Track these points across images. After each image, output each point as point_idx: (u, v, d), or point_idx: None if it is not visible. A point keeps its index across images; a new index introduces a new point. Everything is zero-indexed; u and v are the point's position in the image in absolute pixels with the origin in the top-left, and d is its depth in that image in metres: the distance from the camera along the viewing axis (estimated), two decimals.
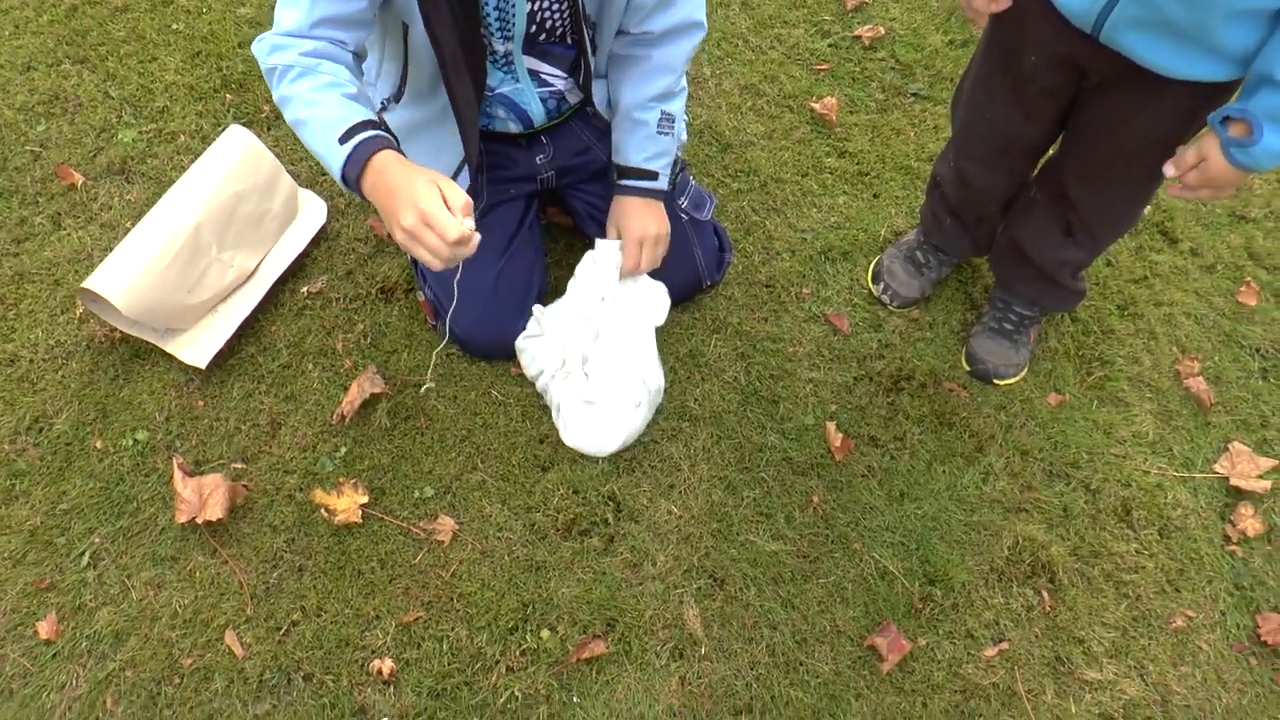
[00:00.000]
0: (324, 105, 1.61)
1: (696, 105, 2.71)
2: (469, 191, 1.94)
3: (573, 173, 2.21)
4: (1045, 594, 2.09)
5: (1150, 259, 2.55)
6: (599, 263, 2.12)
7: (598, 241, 2.14)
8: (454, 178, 2.01)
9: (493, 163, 2.14)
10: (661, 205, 2.13)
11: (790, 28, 2.89)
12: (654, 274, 2.18)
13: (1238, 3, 1.42)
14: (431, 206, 1.51)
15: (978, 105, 2.02)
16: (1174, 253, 2.58)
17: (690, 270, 2.29)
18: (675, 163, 2.18)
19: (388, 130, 1.67)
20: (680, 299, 2.31)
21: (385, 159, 1.59)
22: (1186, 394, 2.36)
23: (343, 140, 1.59)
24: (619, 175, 2.08)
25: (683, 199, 2.27)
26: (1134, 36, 1.59)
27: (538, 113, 2.06)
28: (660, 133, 2.03)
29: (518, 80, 1.97)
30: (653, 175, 2.07)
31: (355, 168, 1.59)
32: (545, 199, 2.39)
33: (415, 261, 2.25)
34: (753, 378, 2.29)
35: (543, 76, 1.99)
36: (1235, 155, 1.54)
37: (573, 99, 2.08)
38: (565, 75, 2.01)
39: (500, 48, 1.89)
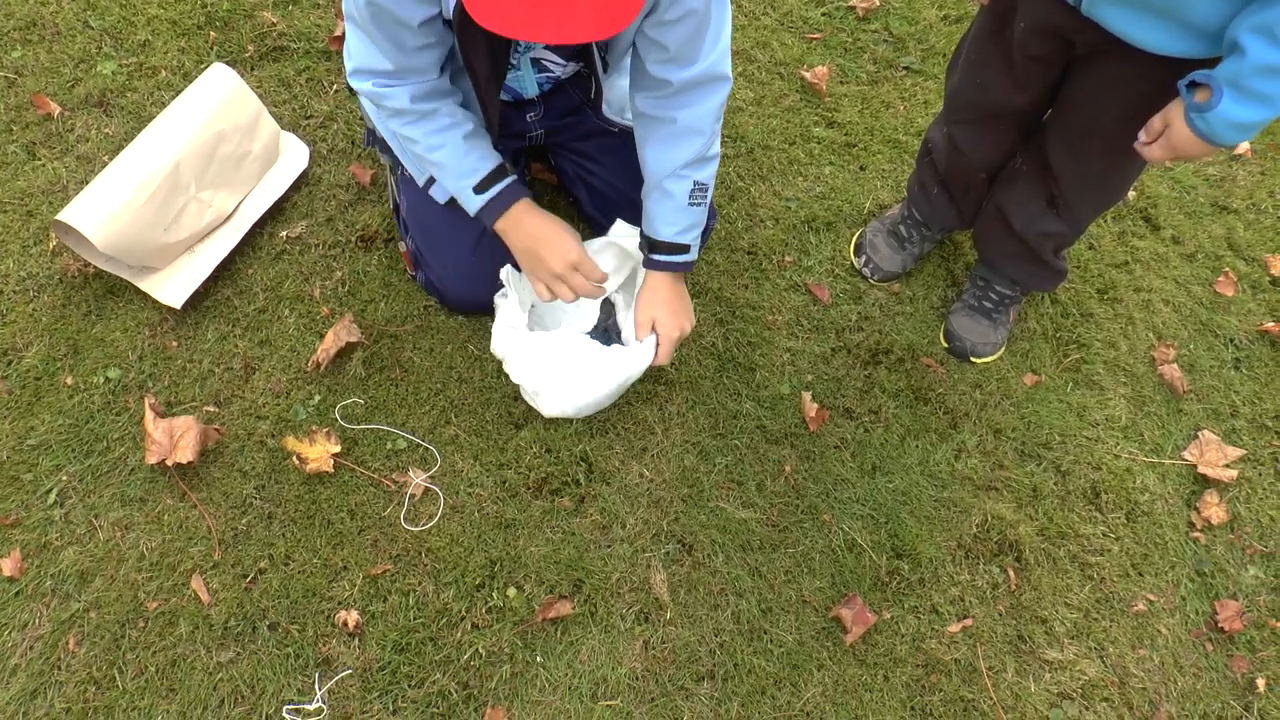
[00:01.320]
0: (449, 148, 1.83)
1: None
2: None
3: (562, 132, 2.18)
4: (1011, 572, 2.10)
5: (1132, 244, 2.55)
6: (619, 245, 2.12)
7: (619, 225, 2.12)
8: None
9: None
10: (683, 284, 2.05)
11: None
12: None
13: None
14: (579, 255, 1.91)
15: (970, 69, 2.01)
16: (1156, 239, 2.58)
17: None
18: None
19: (515, 170, 1.90)
20: None
21: (524, 208, 1.90)
22: (1160, 380, 2.37)
23: (478, 190, 1.86)
24: (649, 248, 1.97)
25: None
26: (1113, 11, 1.59)
27: (530, 91, 2.03)
28: (692, 204, 1.91)
29: (519, 69, 1.95)
30: (684, 249, 1.96)
31: (491, 215, 1.90)
32: (531, 156, 2.36)
33: (397, 208, 2.23)
34: (730, 344, 2.28)
35: (544, 63, 1.97)
36: (1194, 120, 1.52)
37: (564, 76, 2.05)
38: (565, 62, 1.97)
39: (516, 60, 1.90)
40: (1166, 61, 1.59)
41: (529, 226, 1.91)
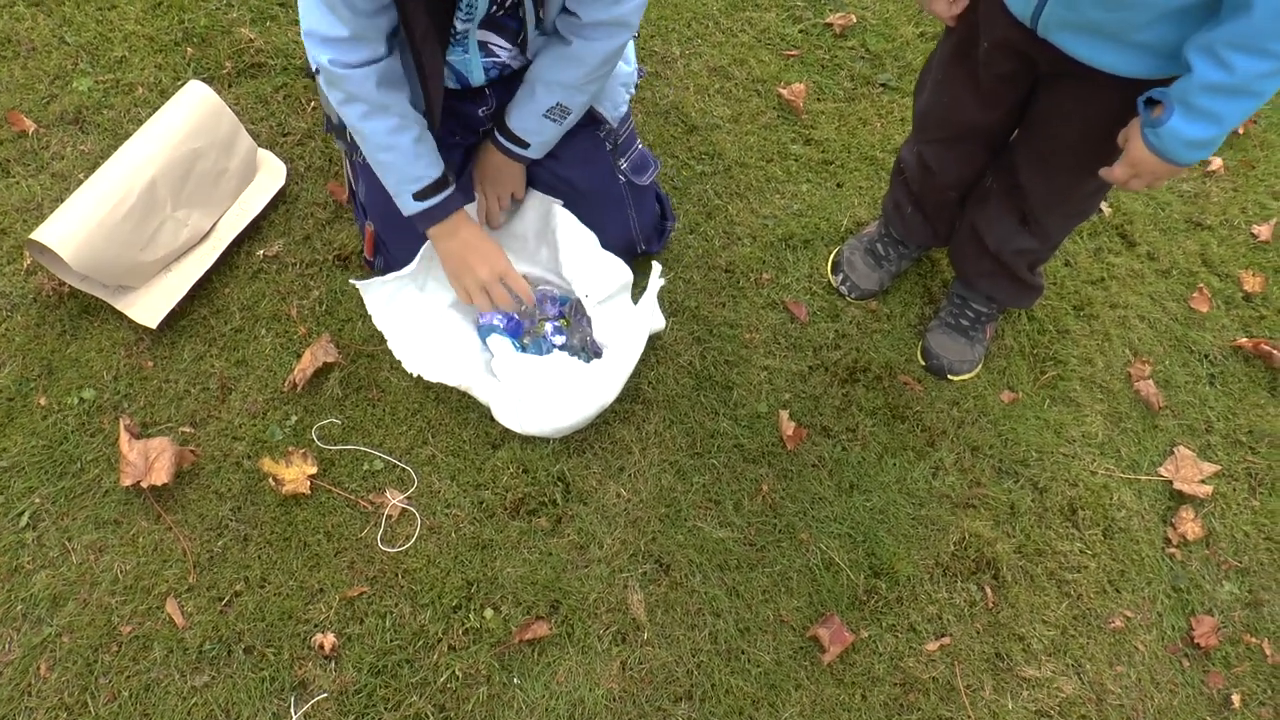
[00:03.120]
0: (398, 151, 1.86)
1: (663, 85, 2.66)
2: None
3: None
4: (988, 590, 2.09)
5: (1108, 261, 2.55)
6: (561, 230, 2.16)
7: (555, 209, 2.17)
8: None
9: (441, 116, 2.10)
10: (524, 169, 2.15)
11: (762, 11, 2.84)
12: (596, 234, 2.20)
13: (1157, 8, 1.44)
14: (506, 267, 2.02)
15: (937, 88, 2.00)
16: (1131, 256, 2.58)
17: (624, 233, 2.25)
18: (623, 124, 2.21)
19: (455, 178, 1.98)
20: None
21: (460, 218, 2.00)
22: (1136, 396, 2.37)
23: (418, 197, 1.91)
24: (496, 128, 2.05)
25: (623, 160, 2.23)
26: (1066, 34, 1.60)
27: (478, 78, 2.02)
28: (547, 117, 1.98)
29: (467, 52, 1.93)
30: (525, 145, 2.04)
31: (426, 222, 1.97)
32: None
33: (353, 193, 2.25)
34: (708, 363, 2.27)
35: (490, 47, 1.95)
36: (1148, 136, 1.52)
37: (515, 64, 2.03)
38: (510, 46, 1.96)
39: (461, 27, 1.84)
40: (1126, 81, 1.59)
41: (464, 234, 2.01)
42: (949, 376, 2.32)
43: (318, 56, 1.73)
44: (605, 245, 2.20)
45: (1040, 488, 2.22)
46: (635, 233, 2.27)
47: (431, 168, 1.91)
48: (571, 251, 2.15)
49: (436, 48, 1.78)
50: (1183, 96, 1.45)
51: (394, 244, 2.16)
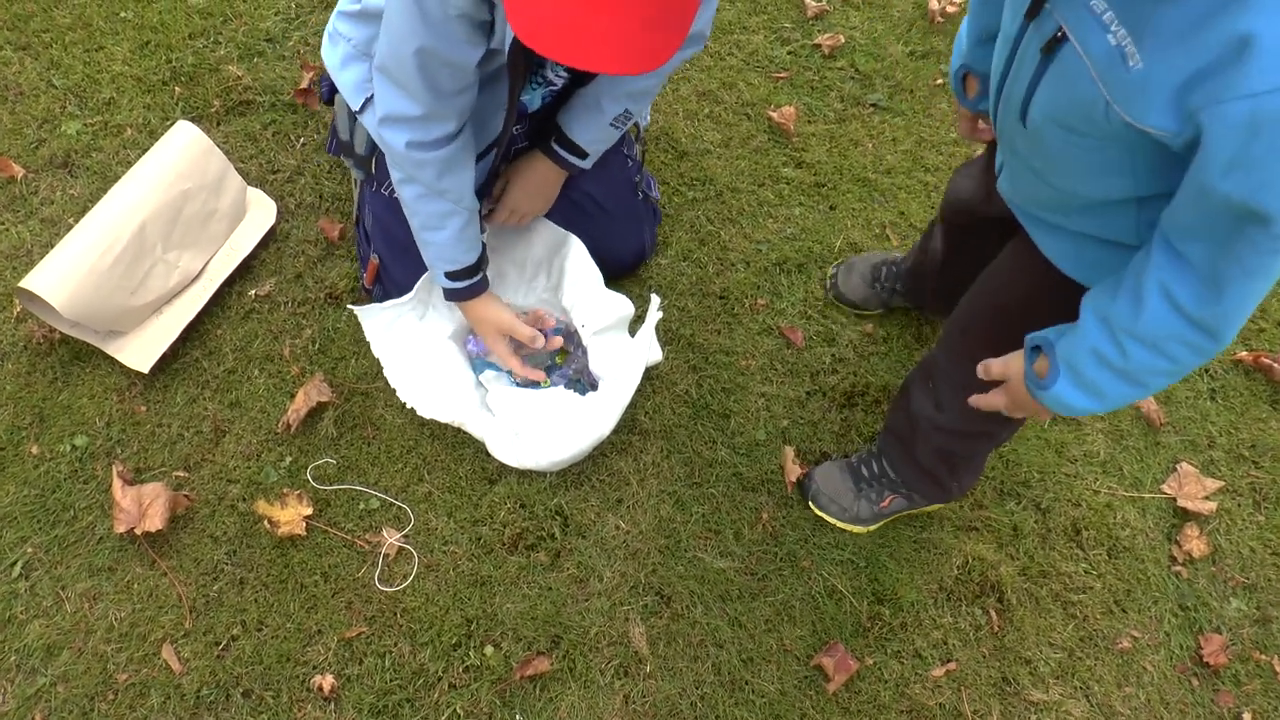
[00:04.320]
0: (445, 233, 1.90)
1: (653, 111, 2.67)
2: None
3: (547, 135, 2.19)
4: (994, 614, 2.09)
5: None
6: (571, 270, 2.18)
7: (571, 239, 2.19)
8: (482, 157, 2.02)
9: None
10: (562, 180, 2.15)
11: (750, 34, 2.86)
12: (602, 241, 2.22)
13: (1090, 197, 1.30)
14: (511, 323, 2.05)
15: (963, 164, 1.95)
16: None
17: (638, 245, 2.34)
18: (638, 139, 2.28)
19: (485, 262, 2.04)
20: (622, 272, 2.37)
21: (484, 300, 2.05)
22: (1137, 413, 2.37)
23: (451, 276, 1.97)
24: (555, 139, 2.04)
25: (639, 178, 2.30)
26: (1015, 209, 1.50)
27: (534, 105, 2.04)
28: (613, 125, 2.01)
29: (533, 86, 1.99)
30: (584, 155, 2.06)
31: (454, 297, 2.02)
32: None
33: (359, 220, 2.25)
34: (704, 391, 2.27)
35: (548, 76, 1.98)
36: (1031, 388, 1.39)
37: (560, 84, 2.05)
38: (567, 74, 1.99)
39: (551, 75, 1.97)
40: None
41: (486, 313, 2.06)
42: (809, 504, 2.16)
43: (394, 140, 1.75)
44: (619, 258, 2.28)
45: (1043, 508, 2.22)
46: (646, 244, 2.36)
47: (470, 253, 1.96)
48: (575, 282, 2.17)
49: (518, 96, 1.82)
50: (1070, 358, 1.30)
51: (399, 273, 2.17)
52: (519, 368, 2.09)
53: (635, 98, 1.97)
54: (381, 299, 2.22)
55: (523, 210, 2.13)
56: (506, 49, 1.64)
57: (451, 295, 2.02)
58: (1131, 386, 1.27)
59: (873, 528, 2.14)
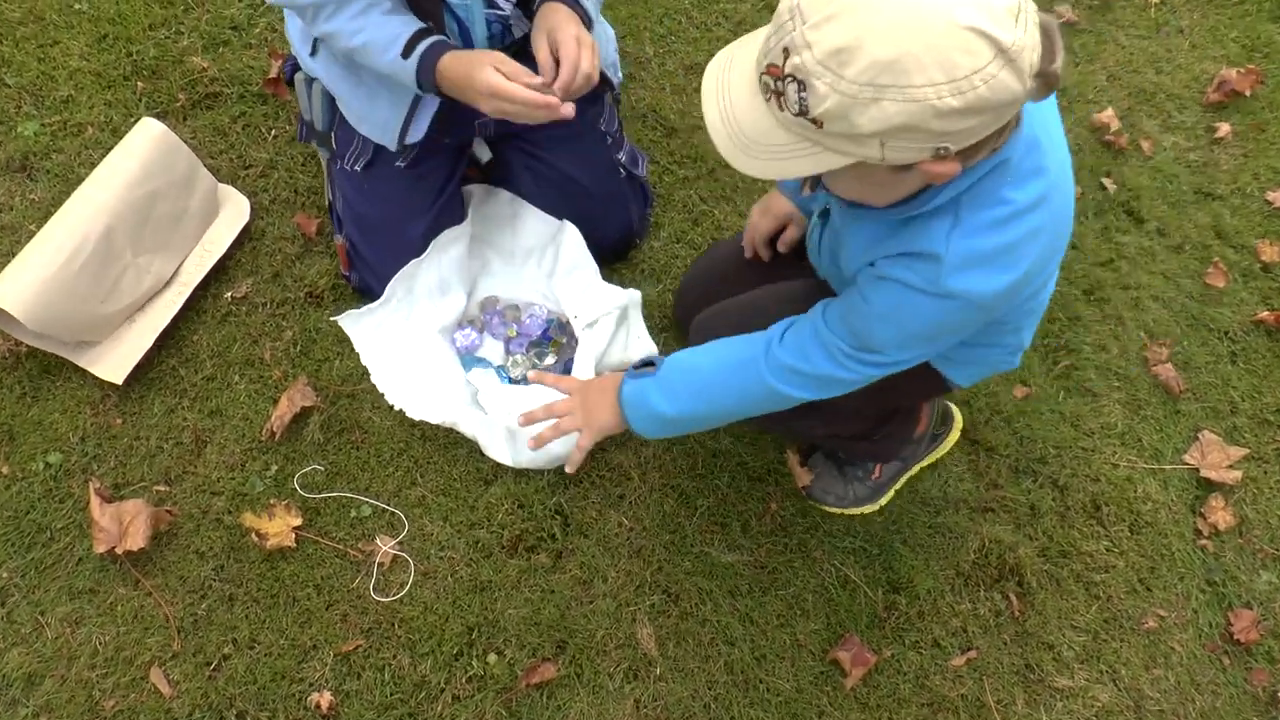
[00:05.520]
0: (370, 29, 1.79)
1: (639, 88, 2.62)
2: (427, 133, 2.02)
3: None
4: (1014, 598, 2.06)
5: (1116, 240, 2.51)
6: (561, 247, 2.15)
7: (565, 225, 2.16)
8: (411, 115, 1.97)
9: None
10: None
11: (737, 3, 2.80)
12: (585, 224, 2.19)
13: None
14: (497, 55, 1.75)
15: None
16: (1140, 233, 2.54)
17: (624, 225, 2.29)
18: (615, 112, 2.24)
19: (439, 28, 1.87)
20: (611, 253, 2.33)
21: (445, 63, 1.79)
22: (1155, 381, 2.33)
23: (405, 56, 1.79)
24: None
25: (620, 154, 2.26)
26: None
27: (480, 34, 1.96)
28: None
29: None
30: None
31: (428, 76, 1.80)
32: (471, 161, 2.31)
33: (332, 207, 2.22)
34: None
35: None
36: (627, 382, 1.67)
37: (518, 32, 2.00)
38: (514, 5, 1.93)
39: None
40: None
41: (452, 76, 1.80)
42: (810, 500, 2.14)
43: None
44: (605, 240, 2.24)
45: (1061, 485, 2.19)
46: (634, 224, 2.30)
47: (407, 25, 1.80)
48: (569, 269, 2.15)
49: None
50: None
51: (371, 252, 2.14)
52: (524, 94, 1.73)
53: None
54: (359, 285, 2.20)
55: (584, 40, 1.85)
56: None
57: (425, 69, 1.80)
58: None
59: (882, 501, 2.13)
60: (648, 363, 1.66)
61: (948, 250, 1.29)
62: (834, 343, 1.47)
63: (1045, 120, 1.34)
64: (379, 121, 2.00)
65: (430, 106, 1.97)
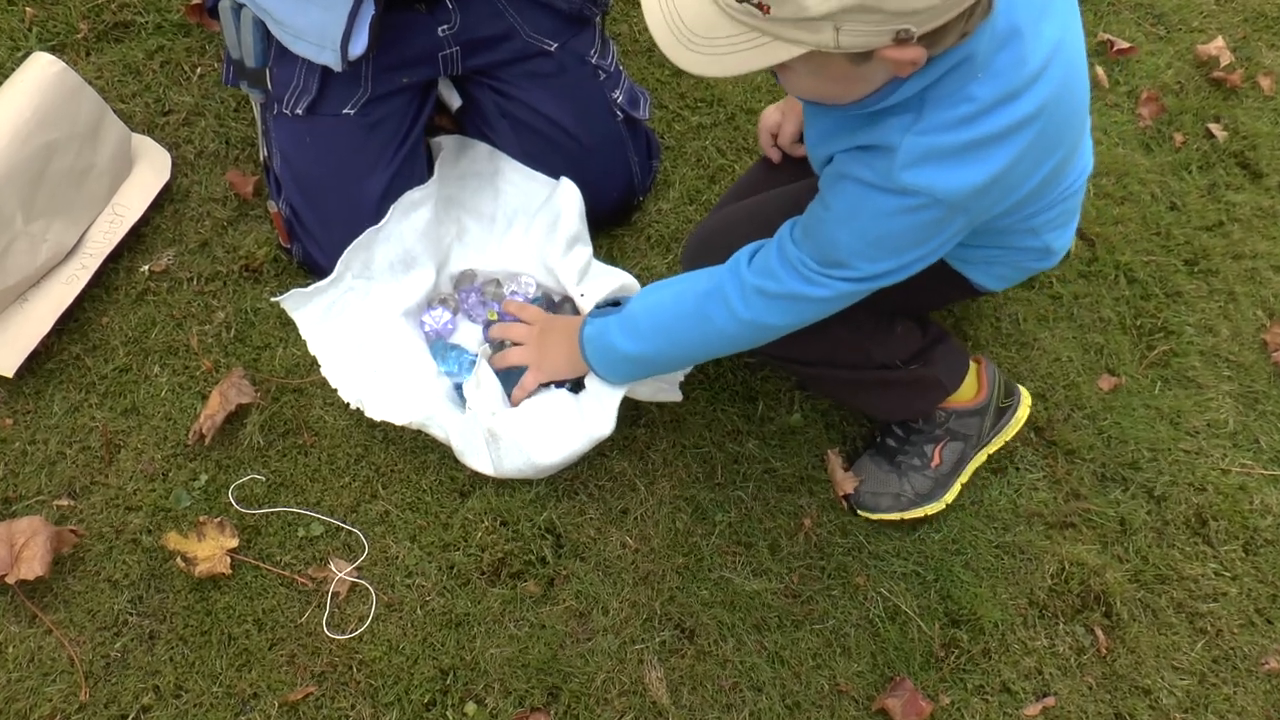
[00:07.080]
0: None
1: (642, 15, 2.64)
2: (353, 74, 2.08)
3: (483, 50, 2.17)
4: (1100, 632, 2.09)
5: (1227, 199, 2.54)
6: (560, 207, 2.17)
7: (563, 182, 2.19)
8: (352, 23, 1.98)
9: (382, 37, 2.05)
10: None
11: None
12: (582, 179, 2.22)
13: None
14: None
15: None
16: (1257, 190, 2.57)
17: (624, 178, 2.33)
18: (610, 43, 2.29)
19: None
20: (611, 215, 2.37)
21: None
22: (1275, 370, 2.36)
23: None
24: None
25: (617, 93, 2.28)
26: None
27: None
28: None
29: None
30: None
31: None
32: (438, 104, 2.36)
33: (268, 167, 2.25)
34: (722, 368, 2.27)
35: None
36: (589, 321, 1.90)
37: None
38: None
39: None
40: None
41: None
42: (858, 512, 2.17)
43: None
44: (605, 196, 2.29)
45: (1157, 496, 2.22)
46: (636, 178, 2.34)
47: None
48: (568, 240, 2.18)
49: None
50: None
51: (315, 221, 2.17)
52: None
53: None
54: (303, 259, 2.23)
55: None
56: None
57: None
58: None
59: (949, 497, 2.15)
60: (614, 303, 1.86)
61: (903, 143, 1.42)
62: (799, 257, 1.62)
63: (1037, 7, 1.45)
64: (316, 29, 1.99)
65: (369, 11, 1.97)
